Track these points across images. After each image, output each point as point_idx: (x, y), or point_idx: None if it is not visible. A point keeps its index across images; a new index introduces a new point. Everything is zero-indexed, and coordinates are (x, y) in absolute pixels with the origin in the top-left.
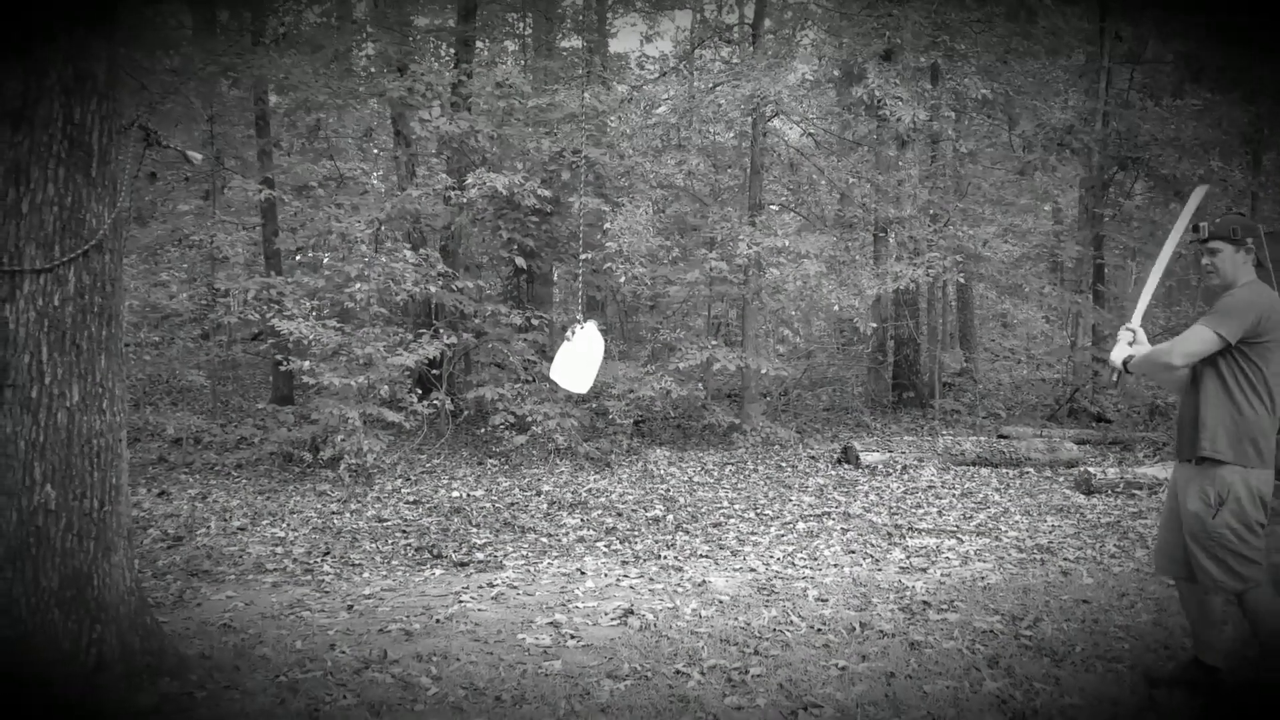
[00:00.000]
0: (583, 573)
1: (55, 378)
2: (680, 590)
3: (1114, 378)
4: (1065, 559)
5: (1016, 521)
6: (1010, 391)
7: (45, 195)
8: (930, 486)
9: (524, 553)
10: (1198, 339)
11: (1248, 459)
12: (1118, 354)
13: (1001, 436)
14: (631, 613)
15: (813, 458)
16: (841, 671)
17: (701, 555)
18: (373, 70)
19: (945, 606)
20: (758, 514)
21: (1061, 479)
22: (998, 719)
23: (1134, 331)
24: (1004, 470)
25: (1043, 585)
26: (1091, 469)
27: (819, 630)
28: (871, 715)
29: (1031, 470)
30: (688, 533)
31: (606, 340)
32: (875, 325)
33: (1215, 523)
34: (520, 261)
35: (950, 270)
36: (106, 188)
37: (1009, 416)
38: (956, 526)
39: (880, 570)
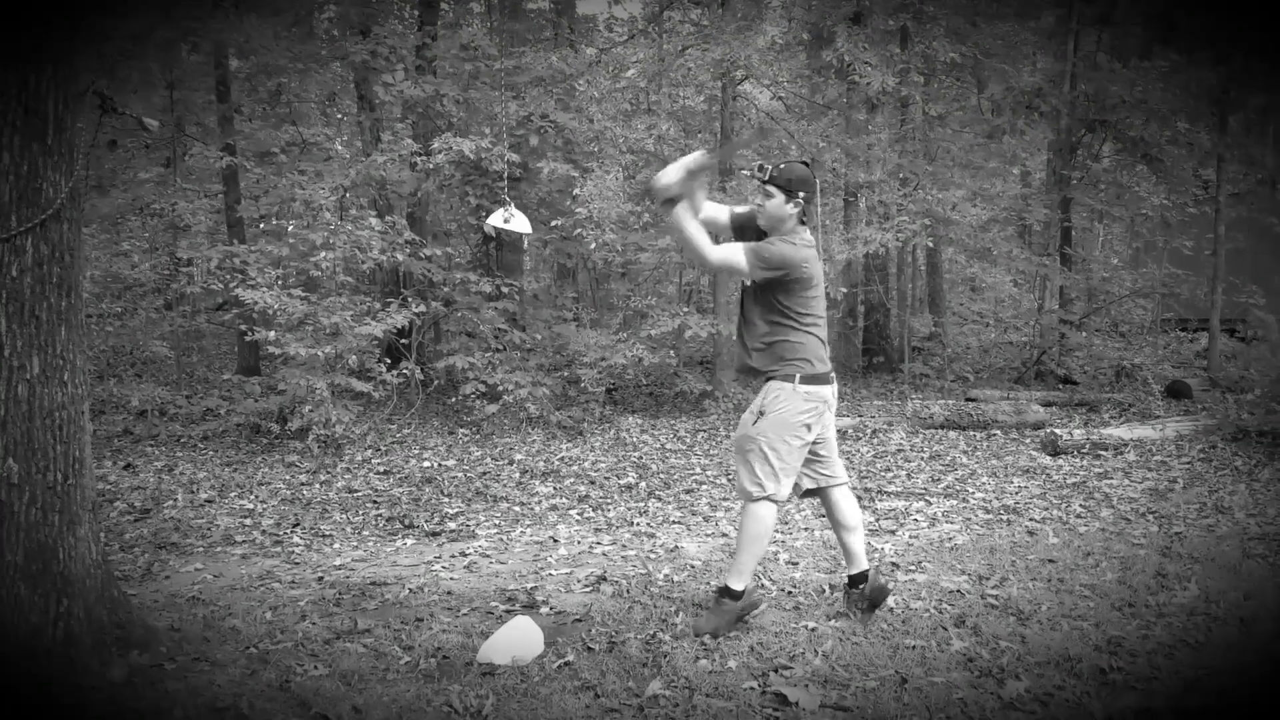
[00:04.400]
0: (556, 540)
1: (15, 350)
2: (653, 556)
3: (658, 201)
4: (1031, 519)
5: (984, 483)
6: (978, 355)
7: (1, 164)
8: (899, 450)
9: (496, 521)
10: (734, 259)
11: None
12: (671, 175)
13: (969, 399)
14: (604, 579)
15: None
16: (810, 632)
17: (674, 521)
18: (335, 33)
19: (913, 567)
20: (730, 480)
21: (1028, 440)
22: (964, 676)
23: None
24: (972, 433)
25: (1009, 545)
26: (1058, 430)
27: (790, 593)
28: (840, 674)
29: (999, 432)
30: (660, 499)
31: (577, 308)
32: (845, 290)
33: (755, 430)
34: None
35: (920, 234)
36: (63, 156)
37: (977, 379)
38: (925, 489)
39: None
